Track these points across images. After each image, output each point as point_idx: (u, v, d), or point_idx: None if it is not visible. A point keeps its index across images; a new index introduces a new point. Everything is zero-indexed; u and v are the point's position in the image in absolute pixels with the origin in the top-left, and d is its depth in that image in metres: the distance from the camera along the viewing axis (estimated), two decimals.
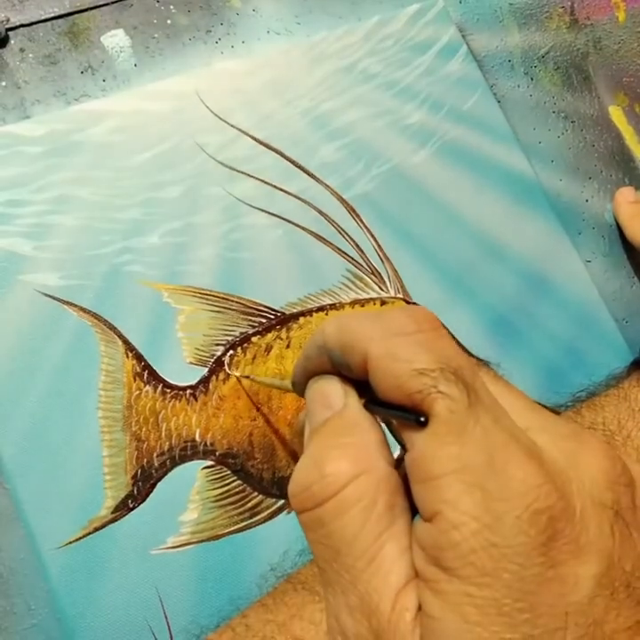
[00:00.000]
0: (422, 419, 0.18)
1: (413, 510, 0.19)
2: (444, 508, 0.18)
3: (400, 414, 0.19)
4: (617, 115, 0.50)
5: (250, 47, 0.46)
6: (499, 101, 0.48)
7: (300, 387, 0.23)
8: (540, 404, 0.21)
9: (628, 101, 0.51)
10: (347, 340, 0.20)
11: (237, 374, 0.38)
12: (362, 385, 0.21)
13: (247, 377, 0.37)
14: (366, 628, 0.18)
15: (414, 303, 0.41)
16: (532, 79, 0.50)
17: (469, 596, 0.17)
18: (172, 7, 0.45)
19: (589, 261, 0.47)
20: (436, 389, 0.18)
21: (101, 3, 0.44)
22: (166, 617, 0.35)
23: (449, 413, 0.18)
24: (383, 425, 0.21)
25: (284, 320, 0.40)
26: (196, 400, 0.37)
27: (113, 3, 0.44)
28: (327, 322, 0.22)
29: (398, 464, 0.20)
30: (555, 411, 0.41)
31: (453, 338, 0.19)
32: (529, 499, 0.17)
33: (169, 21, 0.45)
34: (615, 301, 0.47)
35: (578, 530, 0.18)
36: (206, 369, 0.38)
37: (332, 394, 0.21)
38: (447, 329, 0.21)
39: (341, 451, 0.19)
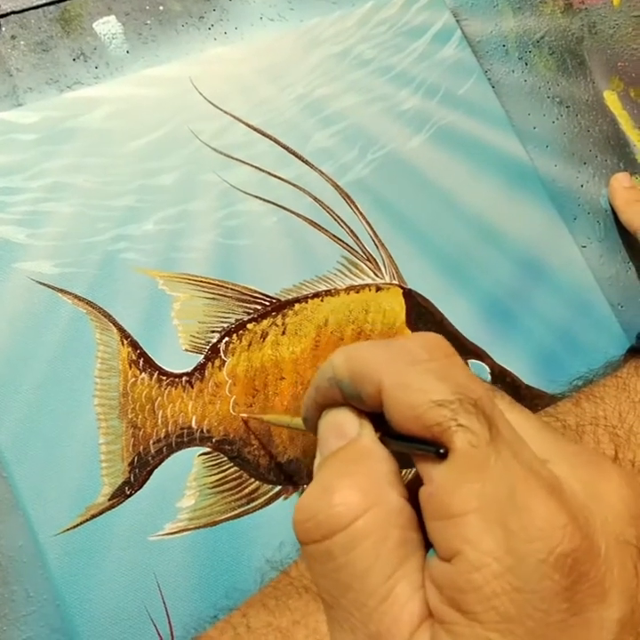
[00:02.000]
0: (442, 451, 0.17)
1: (426, 544, 0.18)
2: (465, 548, 0.17)
3: (417, 447, 0.18)
4: (612, 99, 0.50)
5: (243, 33, 0.45)
6: (493, 86, 0.48)
7: (311, 422, 0.22)
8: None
9: (623, 86, 0.51)
10: (358, 370, 0.20)
11: (245, 416, 0.37)
12: (375, 418, 0.20)
13: (256, 417, 0.37)
14: None
15: (410, 289, 0.41)
16: (526, 64, 0.50)
17: None
18: None
19: (585, 247, 0.47)
20: (457, 422, 0.17)
21: None
22: (164, 602, 0.35)
23: (470, 447, 0.17)
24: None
25: (279, 306, 0.40)
26: (192, 387, 0.37)
27: None
28: (335, 353, 0.21)
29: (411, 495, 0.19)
30: (554, 398, 0.42)
31: (465, 364, 0.19)
32: (554, 541, 0.16)
33: (161, 8, 0.45)
34: (611, 286, 0.47)
35: (603, 571, 0.17)
36: (202, 356, 0.38)
37: (347, 423, 0.20)
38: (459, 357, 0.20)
39: (352, 480, 0.18)
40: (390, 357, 0.19)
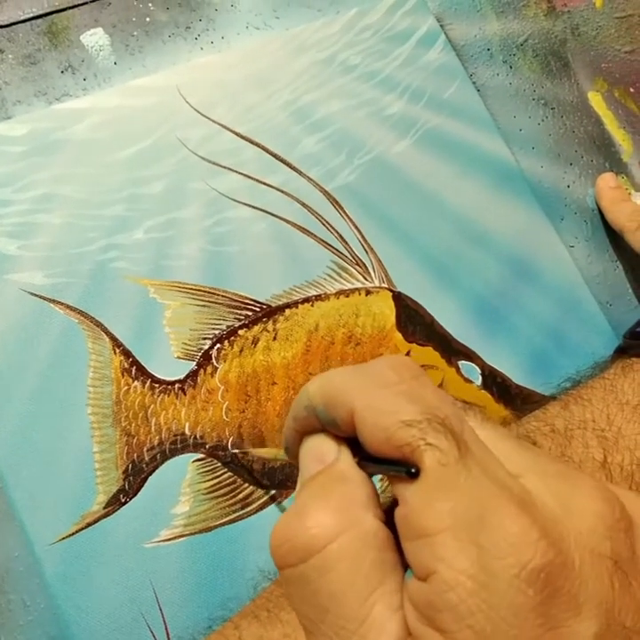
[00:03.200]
0: (413, 470, 0.18)
1: (405, 565, 0.18)
2: (439, 567, 0.17)
3: (391, 468, 0.18)
4: (596, 100, 0.51)
5: (229, 42, 0.46)
6: (478, 90, 0.48)
7: (293, 451, 0.22)
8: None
9: (607, 86, 0.51)
10: (331, 396, 0.20)
11: (237, 451, 0.38)
12: (353, 443, 0.20)
13: (245, 452, 0.37)
14: None
15: (399, 292, 0.42)
16: (511, 67, 0.50)
17: None
18: (150, 4, 0.45)
19: (572, 246, 0.48)
20: (425, 441, 0.18)
21: (80, 2, 0.44)
22: (161, 609, 0.35)
23: (439, 466, 0.17)
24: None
25: (270, 312, 0.40)
26: (185, 394, 0.38)
27: (91, 2, 0.45)
28: (310, 381, 0.21)
29: (387, 518, 0.19)
30: (544, 397, 0.42)
31: (433, 383, 0.19)
32: (526, 556, 0.16)
33: (148, 19, 0.45)
34: (599, 285, 0.47)
35: (577, 585, 0.17)
36: (194, 363, 0.38)
37: (325, 449, 0.20)
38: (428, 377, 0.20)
39: (327, 503, 0.19)
40: (361, 382, 0.19)
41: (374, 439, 0.18)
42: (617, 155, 0.50)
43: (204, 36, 0.46)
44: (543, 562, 0.16)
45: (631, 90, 0.52)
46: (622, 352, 0.42)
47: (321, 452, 0.20)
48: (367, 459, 0.20)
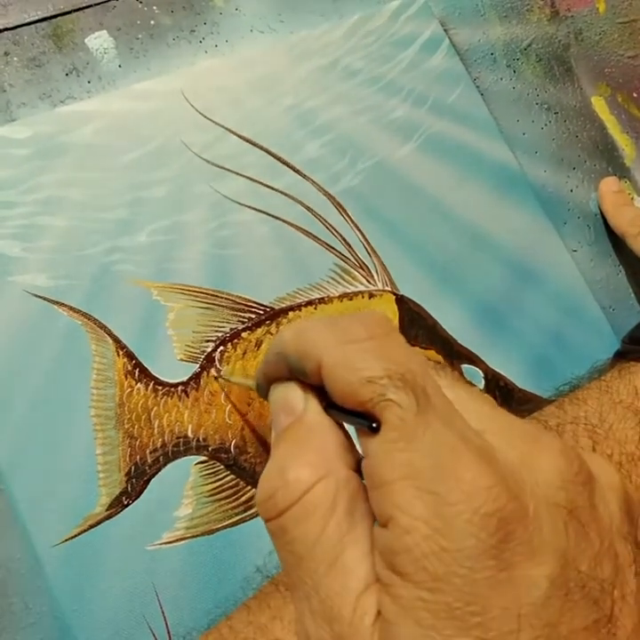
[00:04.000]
0: (374, 425, 0.18)
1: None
2: (396, 514, 0.18)
3: (355, 420, 0.19)
4: (599, 105, 0.51)
5: (234, 46, 0.46)
6: (482, 94, 0.49)
7: (262, 391, 0.23)
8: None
9: (611, 91, 0.52)
10: (302, 348, 0.21)
11: (214, 374, 0.38)
12: (321, 389, 0.21)
13: (225, 379, 0.38)
14: (328, 633, 0.18)
15: (402, 296, 0.42)
16: (514, 71, 0.50)
17: (423, 600, 0.17)
18: (155, 8, 0.46)
19: (575, 251, 0.48)
20: (385, 397, 0.18)
21: (84, 5, 0.44)
22: (163, 612, 0.35)
23: (398, 420, 0.18)
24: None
25: (273, 315, 0.40)
26: (188, 396, 0.38)
27: (96, 5, 0.45)
28: (285, 328, 0.22)
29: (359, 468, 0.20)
30: (547, 401, 0.42)
31: (404, 340, 0.21)
32: (478, 501, 0.17)
33: (152, 22, 0.45)
34: (602, 289, 0.47)
35: (531, 531, 0.17)
36: (197, 365, 0.38)
37: (293, 399, 0.21)
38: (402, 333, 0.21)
39: (302, 457, 0.20)
40: (332, 336, 0.20)
41: (339, 393, 0.19)
42: (620, 159, 0.50)
43: (208, 39, 0.46)
44: (495, 507, 0.17)
45: (634, 95, 0.52)
46: (621, 356, 0.42)
47: (290, 403, 0.21)
48: (334, 407, 0.20)
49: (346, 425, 0.21)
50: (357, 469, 0.20)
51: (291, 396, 0.21)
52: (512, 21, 0.51)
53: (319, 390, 0.21)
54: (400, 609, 0.17)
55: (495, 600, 0.17)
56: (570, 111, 0.50)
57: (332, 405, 0.20)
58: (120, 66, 0.44)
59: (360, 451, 0.20)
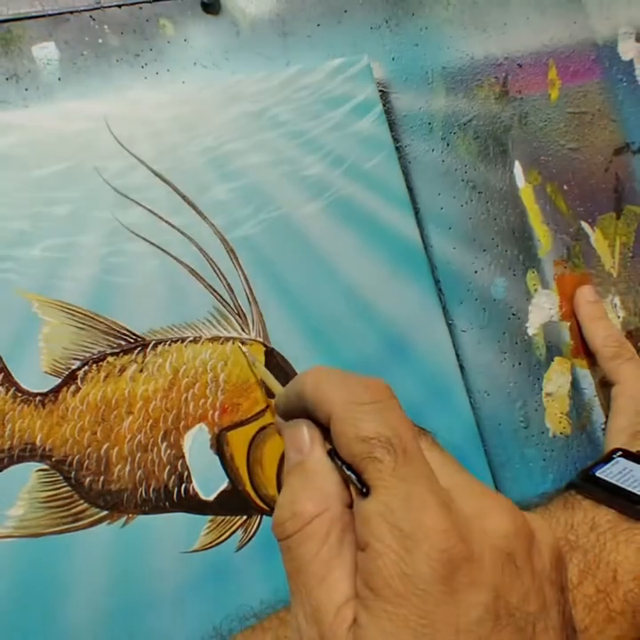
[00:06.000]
0: (364, 490, 0.25)
1: None
2: (371, 541, 0.24)
3: (351, 478, 0.25)
4: (526, 192, 0.52)
5: (174, 76, 0.48)
6: (409, 162, 0.50)
7: (279, 412, 0.31)
8: None
9: (541, 180, 0.52)
10: (318, 399, 0.27)
11: (245, 350, 0.43)
12: (328, 431, 0.27)
13: (255, 364, 0.43)
14: (315, 632, 0.24)
15: (272, 348, 0.44)
16: (448, 145, 0.51)
17: (387, 611, 0.23)
18: (106, 27, 0.48)
19: (465, 331, 0.49)
20: (371, 455, 0.24)
21: (39, 14, 0.47)
22: None
23: (378, 473, 0.24)
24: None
25: (143, 345, 0.42)
26: (44, 407, 0.41)
27: (50, 15, 0.47)
28: (308, 374, 0.28)
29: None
30: None
31: (399, 406, 0.27)
32: (434, 540, 0.23)
33: (100, 40, 0.47)
34: (481, 374, 0.49)
35: (474, 567, 0.23)
36: (60, 380, 0.41)
37: (301, 440, 0.28)
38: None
39: (306, 493, 0.26)
40: (343, 394, 0.26)
41: (339, 445, 0.26)
42: (533, 249, 0.51)
43: (150, 65, 0.48)
44: (447, 546, 0.23)
45: (565, 187, 0.52)
46: (571, 487, 0.42)
47: (298, 443, 0.28)
48: (336, 453, 0.26)
49: None
50: (351, 504, 0.26)
51: (299, 437, 0.28)
52: (458, 94, 0.52)
53: (326, 431, 0.27)
54: (370, 617, 0.23)
55: (440, 616, 0.22)
56: (494, 193, 0.51)
57: (335, 452, 0.26)
58: (59, 79, 0.46)
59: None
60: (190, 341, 0.43)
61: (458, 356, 0.48)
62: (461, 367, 0.48)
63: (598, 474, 0.41)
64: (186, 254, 0.44)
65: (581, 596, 0.34)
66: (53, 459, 0.40)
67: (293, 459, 0.28)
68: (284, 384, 0.43)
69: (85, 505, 0.40)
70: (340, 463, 0.26)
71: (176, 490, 0.42)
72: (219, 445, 0.42)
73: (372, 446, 0.24)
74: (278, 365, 0.44)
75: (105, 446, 0.41)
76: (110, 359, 0.42)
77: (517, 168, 0.52)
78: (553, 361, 0.50)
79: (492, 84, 0.52)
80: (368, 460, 0.24)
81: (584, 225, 0.52)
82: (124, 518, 0.41)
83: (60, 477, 0.40)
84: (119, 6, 0.48)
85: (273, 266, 0.45)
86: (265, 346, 0.44)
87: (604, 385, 0.50)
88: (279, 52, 0.50)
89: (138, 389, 0.42)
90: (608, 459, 0.43)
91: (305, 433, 0.28)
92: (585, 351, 0.51)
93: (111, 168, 0.44)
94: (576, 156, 0.53)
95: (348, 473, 0.25)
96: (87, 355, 0.42)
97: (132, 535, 0.40)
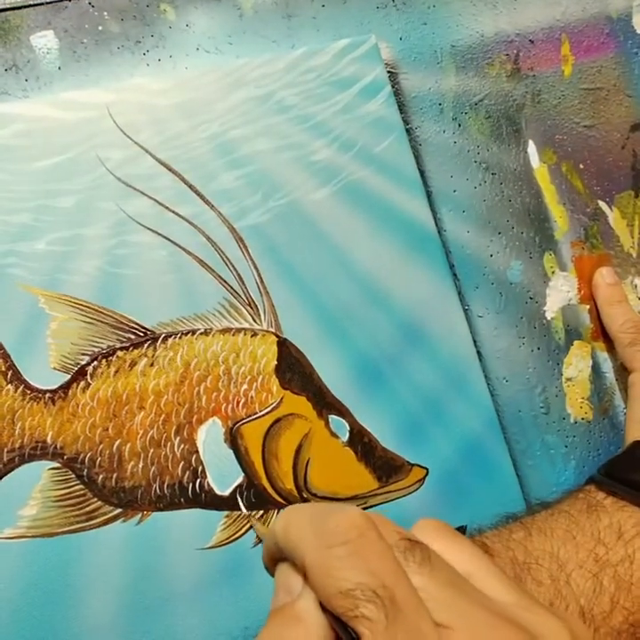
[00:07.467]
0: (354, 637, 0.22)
1: None
2: None
3: (338, 627, 0.23)
4: (541, 172, 0.50)
5: (176, 62, 0.47)
6: (420, 145, 0.48)
7: (269, 570, 0.27)
8: None
9: (556, 159, 0.51)
10: (288, 546, 0.24)
11: (248, 513, 0.41)
12: None
13: (256, 524, 0.41)
14: None
15: (285, 339, 0.43)
16: (459, 125, 0.50)
17: None
18: (105, 13, 0.46)
19: (481, 316, 0.48)
20: (357, 611, 0.22)
21: (37, 2, 0.45)
22: None
23: (369, 633, 0.21)
24: None
25: (153, 339, 0.41)
26: (54, 404, 0.40)
27: (48, 3, 0.46)
28: (278, 520, 0.25)
29: None
30: (408, 464, 0.43)
31: (378, 537, 0.24)
32: None
33: (100, 28, 0.46)
34: (499, 359, 0.47)
35: None
36: (69, 376, 0.40)
37: (292, 583, 0.25)
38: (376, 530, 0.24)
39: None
40: (312, 537, 0.23)
41: (322, 599, 0.23)
42: (550, 231, 0.50)
43: (152, 52, 0.47)
44: None
45: (581, 166, 0.51)
46: (591, 483, 0.40)
47: (288, 585, 0.25)
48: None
49: None
50: None
51: (291, 579, 0.25)
52: (469, 73, 0.50)
53: None
54: None
55: None
56: (508, 174, 0.50)
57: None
58: (60, 68, 0.45)
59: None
60: (201, 334, 0.42)
61: (475, 342, 0.46)
62: (479, 353, 0.46)
63: (619, 469, 0.40)
64: (194, 244, 0.43)
65: (608, 629, 0.33)
66: (65, 457, 0.40)
67: (280, 600, 0.25)
68: (299, 371, 0.42)
69: (99, 503, 0.40)
70: (331, 619, 0.23)
71: (191, 485, 0.41)
72: (233, 439, 0.41)
73: (356, 601, 0.22)
74: (292, 357, 0.43)
75: (117, 443, 0.40)
76: (120, 354, 0.41)
77: (531, 147, 0.50)
78: (572, 345, 0.49)
79: (504, 61, 0.51)
80: (356, 620, 0.22)
81: (601, 204, 0.51)
82: (139, 516, 0.40)
83: (73, 475, 0.39)
84: None
85: (283, 254, 0.44)
86: (277, 337, 0.43)
87: (624, 370, 0.49)
88: (284, 35, 0.48)
89: (149, 384, 0.41)
90: (629, 452, 0.42)
91: (295, 575, 0.25)
92: (605, 334, 0.50)
93: (115, 158, 0.43)
94: (592, 133, 0.51)
95: (339, 629, 0.23)
96: (96, 350, 0.41)
97: (147, 533, 0.40)
